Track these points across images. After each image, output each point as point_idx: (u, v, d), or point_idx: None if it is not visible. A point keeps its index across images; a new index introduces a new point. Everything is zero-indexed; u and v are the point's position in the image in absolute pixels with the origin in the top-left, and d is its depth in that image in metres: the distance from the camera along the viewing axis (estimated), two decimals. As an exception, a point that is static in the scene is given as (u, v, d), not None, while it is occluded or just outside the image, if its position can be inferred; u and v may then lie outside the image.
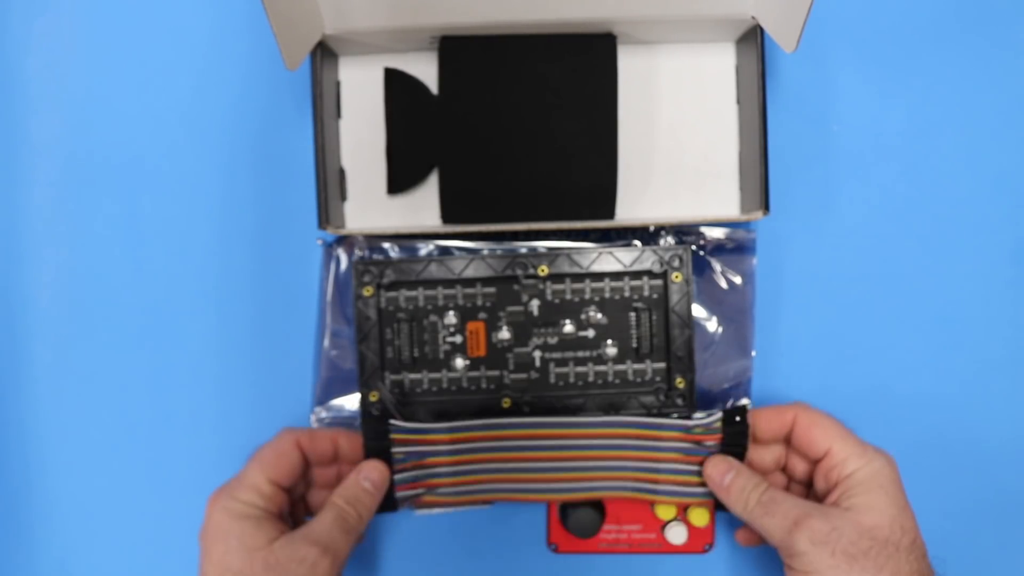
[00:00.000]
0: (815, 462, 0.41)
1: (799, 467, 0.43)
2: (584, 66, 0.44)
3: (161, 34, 0.48)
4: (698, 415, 0.42)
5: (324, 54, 0.43)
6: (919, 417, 0.48)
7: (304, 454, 0.42)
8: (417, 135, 0.45)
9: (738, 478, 0.41)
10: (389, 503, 0.42)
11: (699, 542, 0.47)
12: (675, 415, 0.43)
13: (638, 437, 0.42)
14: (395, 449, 0.42)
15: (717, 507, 0.43)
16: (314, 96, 0.43)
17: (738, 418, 0.41)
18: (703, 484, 0.42)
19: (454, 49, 0.44)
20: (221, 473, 0.47)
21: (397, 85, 0.45)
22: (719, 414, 0.42)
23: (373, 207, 0.46)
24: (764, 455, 0.43)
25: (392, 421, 0.42)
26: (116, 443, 0.48)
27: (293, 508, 0.43)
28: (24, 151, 0.48)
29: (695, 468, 0.42)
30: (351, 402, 0.47)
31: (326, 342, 0.47)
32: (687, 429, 0.42)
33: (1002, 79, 0.48)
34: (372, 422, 0.43)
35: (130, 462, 0.48)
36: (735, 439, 0.42)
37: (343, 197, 0.46)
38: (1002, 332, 0.48)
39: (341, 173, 0.46)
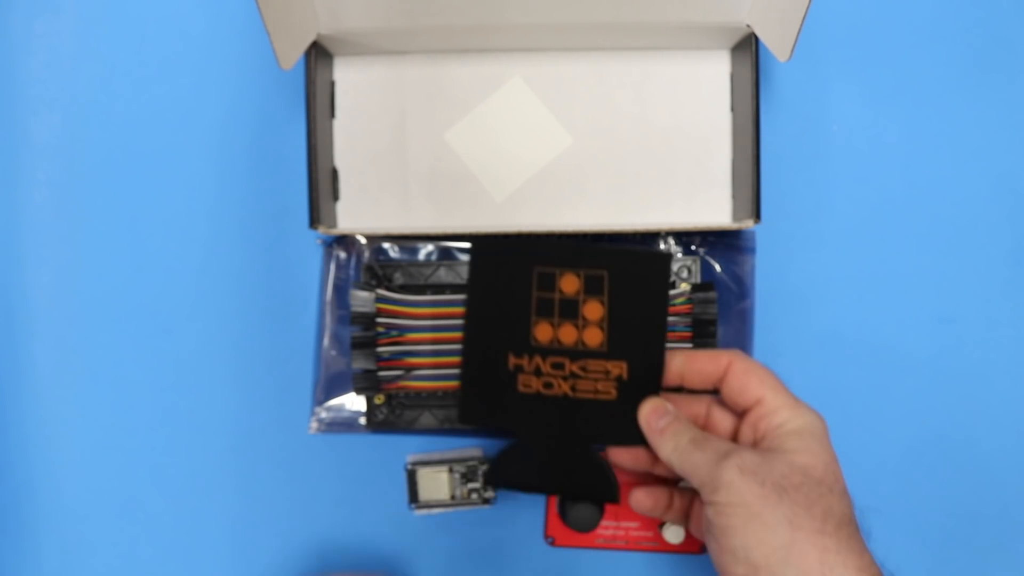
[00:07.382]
0: (742, 413, 0.39)
1: (723, 423, 0.41)
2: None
3: (156, 34, 0.48)
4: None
5: (318, 54, 0.44)
6: (919, 418, 0.48)
7: None
8: None
9: (674, 422, 0.39)
10: (371, 382, 0.44)
11: (696, 543, 0.47)
12: None
13: None
14: (380, 320, 0.44)
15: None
16: (308, 96, 0.43)
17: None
18: None
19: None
20: (221, 473, 0.48)
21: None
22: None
23: (365, 207, 0.46)
24: (693, 406, 0.41)
25: (379, 290, 0.44)
26: (116, 443, 0.48)
27: None
28: (22, 151, 0.48)
29: None
30: (351, 402, 0.47)
31: (326, 342, 0.47)
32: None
33: (995, 85, 0.48)
34: (360, 286, 0.44)
35: (130, 462, 0.48)
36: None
37: (335, 197, 0.46)
38: (1001, 333, 0.48)
39: (334, 173, 0.46)
